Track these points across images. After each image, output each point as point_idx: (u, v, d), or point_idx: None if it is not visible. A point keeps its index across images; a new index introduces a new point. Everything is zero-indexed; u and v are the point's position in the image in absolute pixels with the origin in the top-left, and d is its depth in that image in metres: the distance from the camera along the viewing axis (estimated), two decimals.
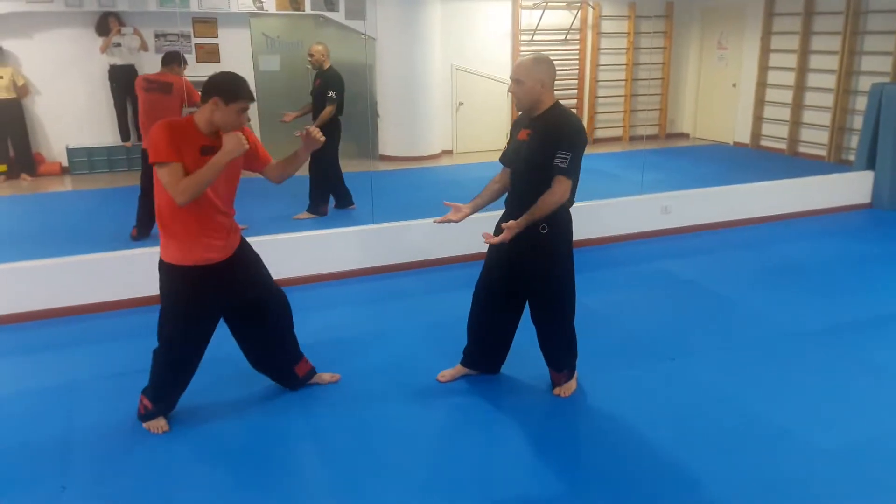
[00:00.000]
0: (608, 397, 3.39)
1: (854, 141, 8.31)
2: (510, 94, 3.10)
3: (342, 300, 4.64)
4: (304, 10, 8.74)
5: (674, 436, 3.07)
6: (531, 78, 2.99)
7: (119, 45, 8.13)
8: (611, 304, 4.51)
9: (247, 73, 8.16)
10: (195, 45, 8.63)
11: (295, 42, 8.89)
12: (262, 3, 8.52)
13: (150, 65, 8.44)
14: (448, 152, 9.64)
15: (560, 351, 3.37)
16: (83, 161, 8.29)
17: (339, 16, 8.83)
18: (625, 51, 10.50)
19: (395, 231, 5.13)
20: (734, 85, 10.36)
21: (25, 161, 8.01)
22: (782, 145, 9.68)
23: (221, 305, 3.07)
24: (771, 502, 2.65)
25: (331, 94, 6.07)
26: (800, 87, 9.36)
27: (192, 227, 2.87)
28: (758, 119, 10.01)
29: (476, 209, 3.26)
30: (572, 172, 2.99)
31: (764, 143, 10.01)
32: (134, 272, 4.48)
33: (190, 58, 8.57)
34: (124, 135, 8.39)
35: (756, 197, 6.47)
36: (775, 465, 2.86)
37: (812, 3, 9.09)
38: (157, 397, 3.10)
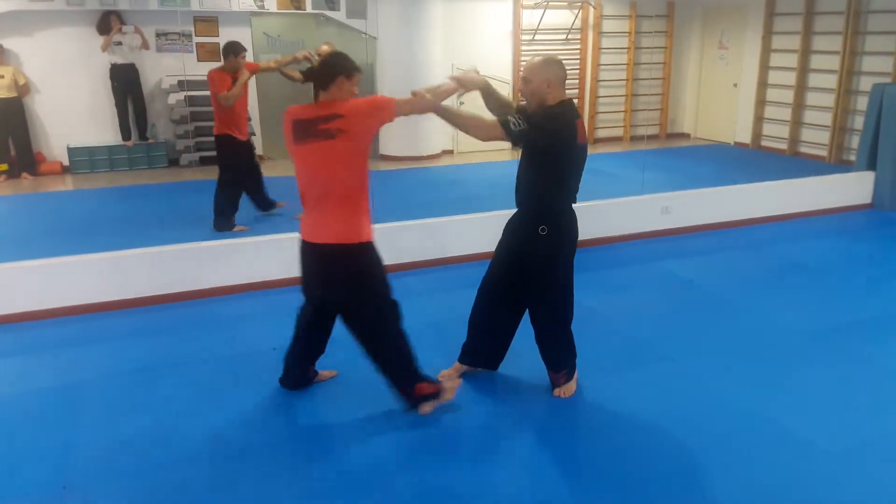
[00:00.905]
0: (608, 398, 3.39)
1: (855, 141, 8.30)
2: (521, 92, 3.14)
3: None
4: (305, 10, 8.74)
5: (674, 436, 3.07)
6: (538, 77, 3.04)
7: (120, 43, 8.14)
8: (611, 305, 4.51)
9: None
10: (196, 43, 8.64)
11: (296, 41, 8.89)
12: (262, 2, 8.53)
13: (150, 64, 8.46)
14: (449, 152, 9.63)
15: (557, 352, 3.37)
16: (84, 160, 8.30)
17: (340, 15, 8.83)
18: (626, 50, 10.50)
19: (396, 231, 5.13)
20: (735, 85, 10.35)
21: (26, 160, 8.02)
22: (783, 145, 9.67)
23: None
24: (770, 503, 2.65)
25: None
26: (801, 87, 9.36)
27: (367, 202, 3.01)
28: (759, 119, 10.01)
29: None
30: (511, 134, 2.95)
31: (765, 143, 10.00)
32: (136, 271, 4.50)
33: (191, 57, 8.59)
34: (125, 134, 8.40)
35: (757, 197, 6.46)
36: (777, 466, 2.86)
37: (813, 2, 9.08)
38: (422, 374, 3.18)
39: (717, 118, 10.76)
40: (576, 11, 9.95)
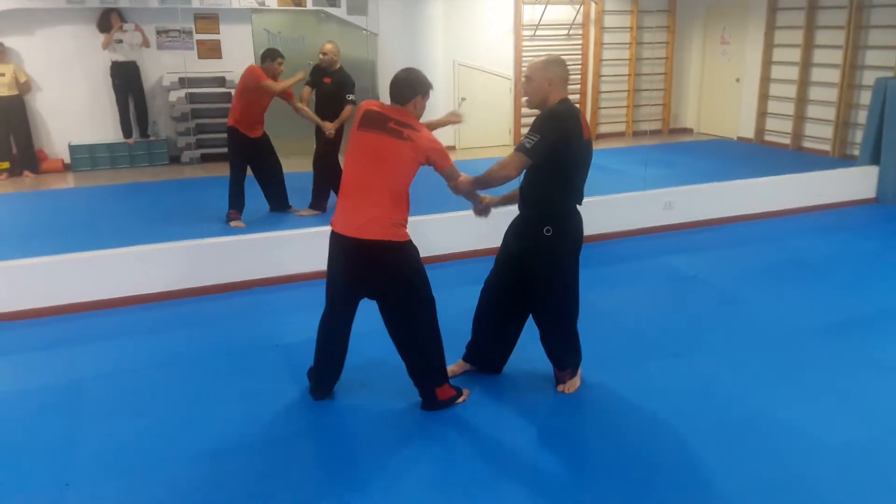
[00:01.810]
0: (612, 393, 3.38)
1: (858, 136, 8.27)
2: (523, 90, 3.16)
3: None
4: (305, 6, 8.72)
5: (678, 432, 3.06)
6: (540, 76, 3.06)
7: (121, 41, 8.12)
8: (615, 300, 4.50)
9: None
10: (197, 41, 8.61)
11: (297, 38, 8.87)
12: None
13: (151, 61, 8.45)
14: (451, 148, 9.61)
15: (562, 352, 3.36)
16: (85, 158, 8.29)
17: (340, 11, 8.81)
18: (627, 46, 10.46)
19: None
20: (738, 80, 10.32)
21: (28, 158, 8.01)
22: (786, 140, 9.64)
23: None
24: (776, 499, 2.64)
25: (350, 97, 6.06)
26: (804, 82, 9.32)
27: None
28: (761, 114, 9.97)
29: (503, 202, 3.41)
30: (531, 152, 2.97)
31: (768, 137, 9.97)
32: (139, 269, 4.49)
33: (192, 54, 8.57)
34: (126, 131, 8.39)
35: (760, 192, 6.44)
36: (781, 462, 2.85)
37: None
38: (445, 369, 3.23)
39: (719, 113, 10.72)
40: (577, 7, 9.91)
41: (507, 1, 9.66)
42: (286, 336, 4.00)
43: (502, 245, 3.35)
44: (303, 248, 4.82)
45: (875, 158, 6.89)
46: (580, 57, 10.20)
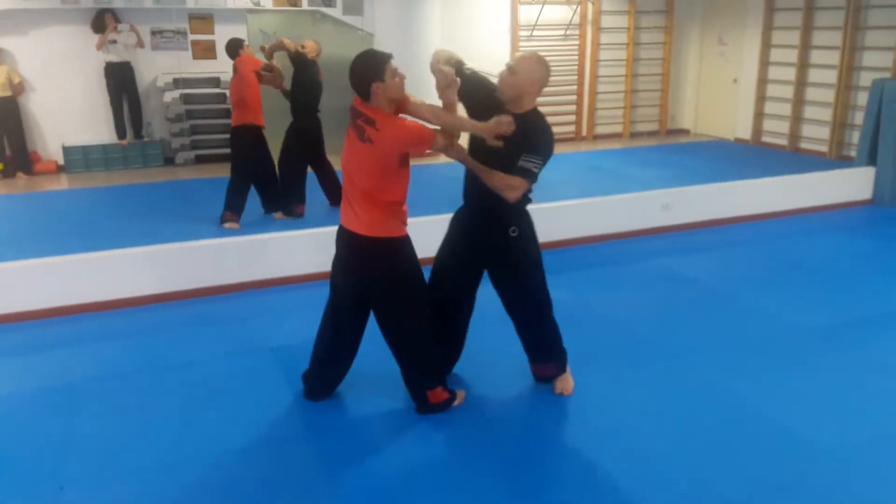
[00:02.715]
0: (609, 394, 3.37)
1: (855, 137, 8.27)
2: (499, 78, 3.00)
3: None
4: (301, 6, 8.69)
5: (675, 433, 3.05)
6: (526, 71, 2.96)
7: (115, 42, 8.10)
8: (611, 302, 4.48)
9: None
10: (191, 41, 8.59)
11: (292, 38, 8.82)
12: None
13: (145, 62, 8.42)
14: None
15: (549, 341, 3.33)
16: (79, 159, 8.26)
17: (336, 11, 8.79)
18: (625, 46, 10.45)
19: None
20: (735, 80, 10.32)
21: (21, 159, 7.98)
22: (783, 141, 9.64)
23: None
24: (772, 501, 2.63)
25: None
26: (801, 83, 9.32)
27: None
28: (759, 115, 9.97)
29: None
30: (534, 179, 2.93)
31: (765, 139, 9.97)
32: (133, 271, 4.46)
33: (186, 55, 8.54)
34: (120, 132, 8.36)
35: (757, 193, 6.42)
36: (777, 464, 2.84)
37: None
38: (441, 377, 3.18)
39: (716, 114, 10.72)
40: (574, 7, 9.90)
41: (503, 1, 9.64)
42: (280, 339, 3.97)
43: (451, 242, 3.23)
44: (297, 251, 4.79)
45: (872, 160, 6.88)
46: (577, 57, 10.19)
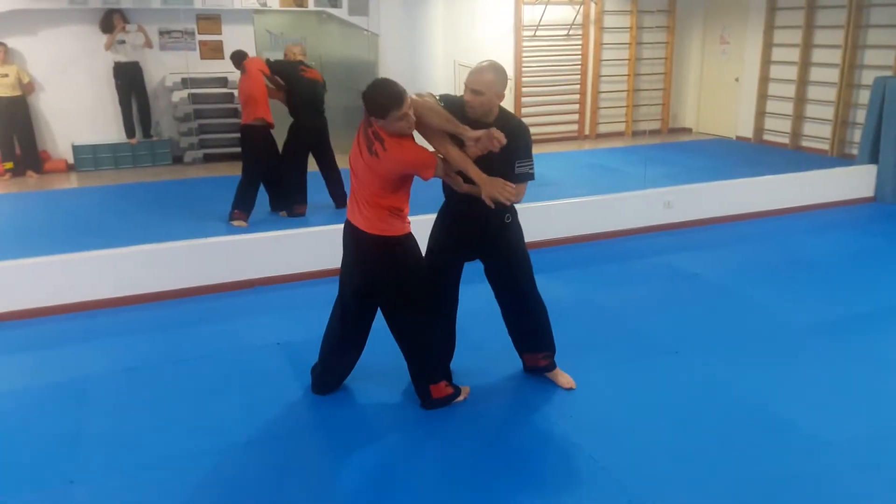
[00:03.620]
0: (612, 391, 3.41)
1: (857, 135, 8.29)
2: (466, 101, 3.05)
3: None
4: (307, 7, 8.75)
5: (678, 429, 3.09)
6: (491, 91, 3.01)
7: (123, 42, 8.16)
8: (614, 299, 4.53)
9: None
10: (199, 41, 8.65)
11: (298, 38, 8.90)
12: None
13: (153, 62, 8.48)
14: None
15: (542, 329, 3.39)
16: (88, 158, 8.32)
17: (342, 12, 8.84)
18: (627, 46, 10.49)
19: None
20: (737, 79, 10.34)
21: (31, 158, 8.04)
22: (785, 139, 9.66)
23: None
24: (776, 495, 2.67)
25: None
26: (803, 82, 9.34)
27: None
28: (760, 113, 9.99)
29: None
30: (533, 177, 3.13)
31: (767, 137, 9.99)
32: (142, 268, 4.52)
33: (194, 55, 8.61)
34: (129, 132, 8.42)
35: (759, 191, 6.46)
36: (780, 458, 2.87)
37: None
38: (445, 372, 3.27)
39: (718, 113, 10.75)
40: (577, 7, 9.94)
41: (507, 1, 9.69)
42: (287, 334, 4.03)
43: (446, 232, 3.28)
44: (305, 248, 4.86)
45: (873, 157, 6.91)
46: (580, 57, 10.23)
